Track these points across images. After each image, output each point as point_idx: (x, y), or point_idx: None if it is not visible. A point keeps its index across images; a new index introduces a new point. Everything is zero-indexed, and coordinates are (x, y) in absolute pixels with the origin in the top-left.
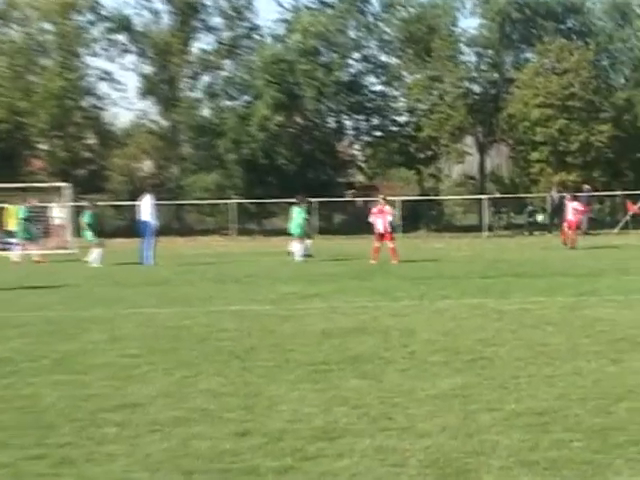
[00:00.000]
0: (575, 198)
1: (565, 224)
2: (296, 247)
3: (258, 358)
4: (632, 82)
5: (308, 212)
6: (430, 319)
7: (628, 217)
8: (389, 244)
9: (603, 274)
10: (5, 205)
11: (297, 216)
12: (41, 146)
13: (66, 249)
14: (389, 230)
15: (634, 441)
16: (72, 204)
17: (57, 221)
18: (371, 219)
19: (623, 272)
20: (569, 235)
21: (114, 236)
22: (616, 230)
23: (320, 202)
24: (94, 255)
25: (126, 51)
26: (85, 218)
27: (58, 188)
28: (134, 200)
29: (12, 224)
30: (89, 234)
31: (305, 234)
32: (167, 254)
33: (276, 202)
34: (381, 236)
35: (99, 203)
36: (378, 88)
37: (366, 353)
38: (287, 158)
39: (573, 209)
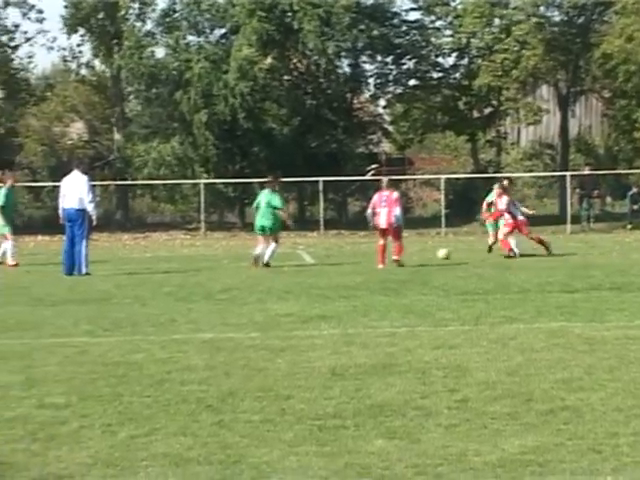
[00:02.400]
0: (505, 191)
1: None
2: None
3: (240, 408)
4: None
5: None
6: (489, 352)
7: None
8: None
9: None
10: None
11: None
12: None
13: None
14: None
15: None
16: None
17: None
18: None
19: None
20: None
21: (29, 231)
22: None
23: (327, 182)
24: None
25: None
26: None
27: None
28: (57, 180)
29: None
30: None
31: None
32: (107, 257)
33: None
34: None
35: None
36: (413, 16)
37: (395, 401)
38: (280, 119)
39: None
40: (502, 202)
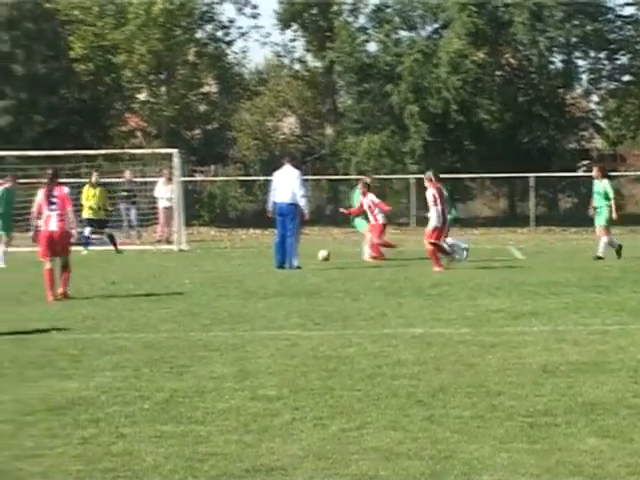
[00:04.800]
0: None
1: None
2: None
3: (450, 404)
4: None
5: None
6: None
7: None
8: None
9: None
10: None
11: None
12: (139, 96)
13: (171, 243)
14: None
15: None
16: (183, 179)
17: (162, 203)
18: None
19: None
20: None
21: (240, 224)
22: None
23: (538, 178)
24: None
25: None
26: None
27: (163, 156)
28: (269, 174)
29: (91, 209)
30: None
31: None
32: (317, 251)
33: (474, 177)
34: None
35: (219, 178)
36: (628, 11)
37: (607, 400)
38: (491, 114)
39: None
40: (367, 201)
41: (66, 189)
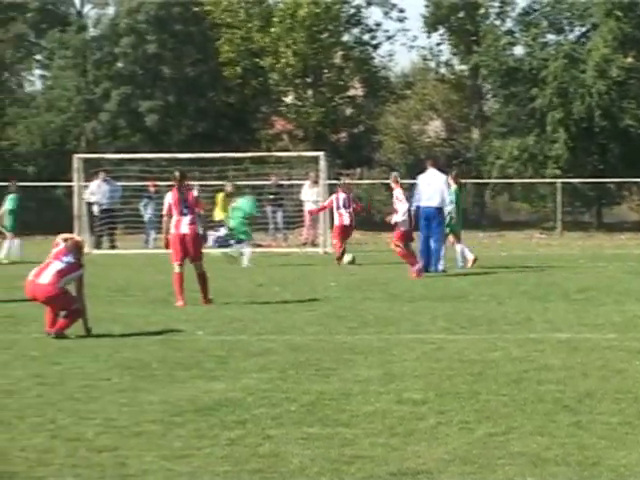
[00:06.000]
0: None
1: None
2: None
3: (597, 410)
4: None
5: None
6: None
7: None
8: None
9: None
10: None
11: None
12: (285, 99)
13: (317, 245)
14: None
15: None
16: (329, 182)
17: (308, 205)
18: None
19: None
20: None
21: (385, 227)
22: None
23: None
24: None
25: None
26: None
27: (309, 159)
28: (415, 177)
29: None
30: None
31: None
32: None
33: (621, 182)
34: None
35: (364, 181)
36: None
37: None
38: (638, 118)
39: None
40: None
41: (195, 192)
